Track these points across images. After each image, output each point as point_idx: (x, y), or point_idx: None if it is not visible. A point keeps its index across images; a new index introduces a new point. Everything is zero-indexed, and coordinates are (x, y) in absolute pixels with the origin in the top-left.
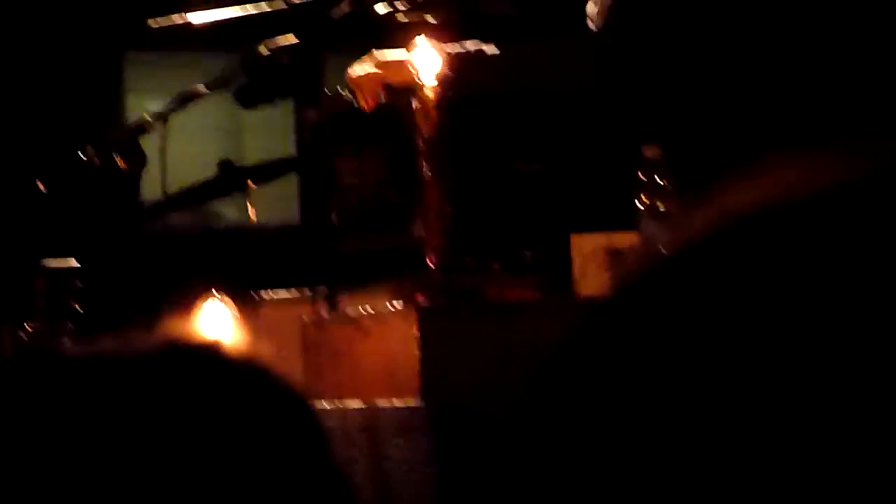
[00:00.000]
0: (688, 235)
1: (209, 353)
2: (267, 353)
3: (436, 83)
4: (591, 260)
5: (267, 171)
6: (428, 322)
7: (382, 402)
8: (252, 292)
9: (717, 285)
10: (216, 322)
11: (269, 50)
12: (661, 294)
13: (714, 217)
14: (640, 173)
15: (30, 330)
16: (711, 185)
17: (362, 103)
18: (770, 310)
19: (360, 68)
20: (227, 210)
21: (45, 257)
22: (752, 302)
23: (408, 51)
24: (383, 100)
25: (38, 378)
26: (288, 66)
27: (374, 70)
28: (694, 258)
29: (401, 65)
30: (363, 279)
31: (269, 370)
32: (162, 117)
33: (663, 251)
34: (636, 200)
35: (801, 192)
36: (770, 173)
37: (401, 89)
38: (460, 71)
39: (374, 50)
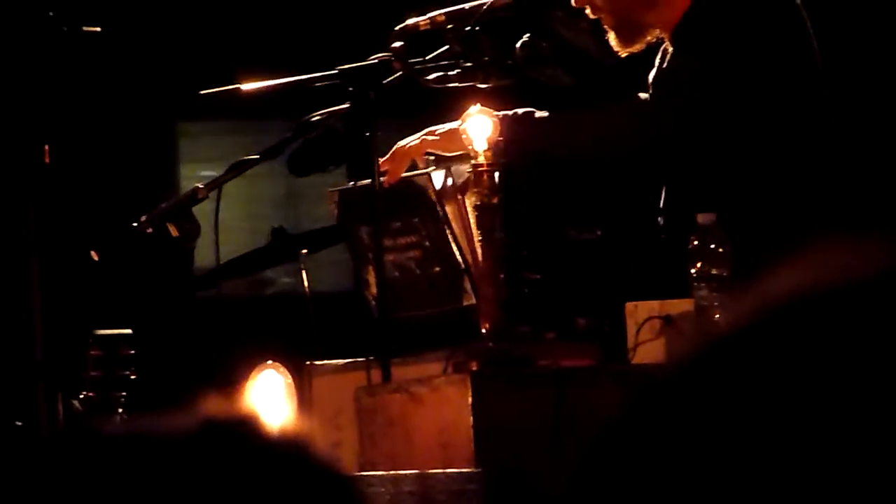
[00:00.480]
0: (743, 317)
1: (246, 431)
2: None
3: (488, 150)
4: (645, 328)
5: (320, 239)
6: (481, 390)
7: (436, 470)
8: (306, 360)
9: (771, 370)
10: (270, 391)
11: (322, 118)
12: (715, 377)
13: (768, 300)
14: (694, 240)
15: (83, 399)
16: (765, 254)
17: (387, 177)
18: (826, 398)
19: (411, 139)
20: (280, 277)
21: (98, 327)
22: (806, 389)
23: (460, 118)
24: (421, 165)
25: (71, 458)
26: (340, 134)
27: (415, 142)
28: (750, 341)
29: (453, 133)
30: (417, 347)
31: (308, 448)
32: (215, 186)
33: (718, 333)
34: (690, 268)
35: (856, 276)
36: (824, 255)
37: (444, 159)
38: (513, 137)
39: (429, 125)
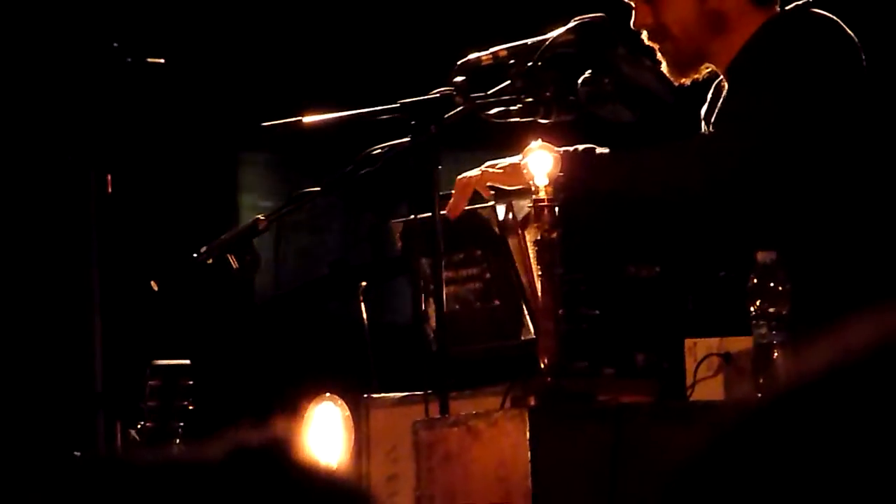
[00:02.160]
0: (812, 368)
1: (275, 458)
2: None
3: (549, 185)
4: (704, 365)
5: (380, 272)
6: (539, 426)
7: None
8: (364, 394)
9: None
10: (327, 424)
11: (384, 151)
12: (785, 425)
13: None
14: (753, 278)
15: (141, 429)
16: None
17: (449, 209)
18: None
19: (472, 173)
20: (340, 310)
21: (157, 357)
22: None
23: (521, 153)
24: (486, 196)
25: (98, 486)
26: (401, 168)
27: (477, 175)
28: (832, 389)
29: (514, 168)
30: (475, 382)
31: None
32: (276, 217)
33: (787, 383)
34: (750, 306)
35: None
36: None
37: (506, 193)
38: (573, 173)
39: (489, 159)
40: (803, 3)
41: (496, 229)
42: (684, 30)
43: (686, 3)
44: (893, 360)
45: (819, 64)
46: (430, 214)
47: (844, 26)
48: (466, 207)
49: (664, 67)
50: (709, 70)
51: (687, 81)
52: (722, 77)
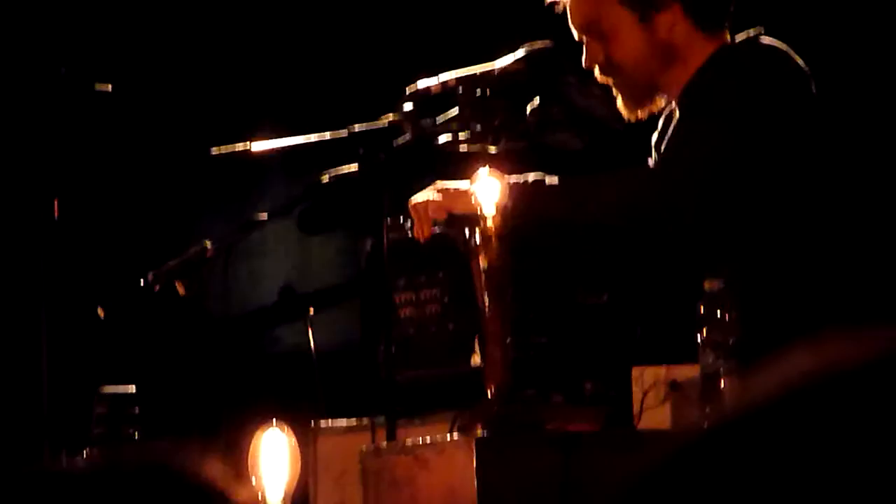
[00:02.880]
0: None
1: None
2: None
3: (497, 213)
4: (651, 393)
5: (327, 298)
6: (487, 453)
7: None
8: (311, 420)
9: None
10: (274, 450)
11: (332, 178)
12: (730, 452)
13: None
14: (701, 307)
15: (87, 456)
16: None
17: (417, 233)
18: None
19: (422, 196)
20: (287, 335)
21: (104, 384)
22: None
23: (470, 180)
24: (439, 230)
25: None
26: (350, 193)
27: (436, 198)
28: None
29: (463, 194)
30: (423, 409)
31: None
32: (224, 244)
33: (732, 411)
34: (697, 334)
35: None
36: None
37: (461, 218)
38: (522, 202)
39: (437, 181)
40: (755, 33)
41: (462, 251)
42: (636, 64)
43: (636, 38)
44: (836, 388)
45: (767, 93)
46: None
47: (794, 55)
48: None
49: (619, 102)
50: (663, 105)
51: (643, 115)
52: (672, 105)
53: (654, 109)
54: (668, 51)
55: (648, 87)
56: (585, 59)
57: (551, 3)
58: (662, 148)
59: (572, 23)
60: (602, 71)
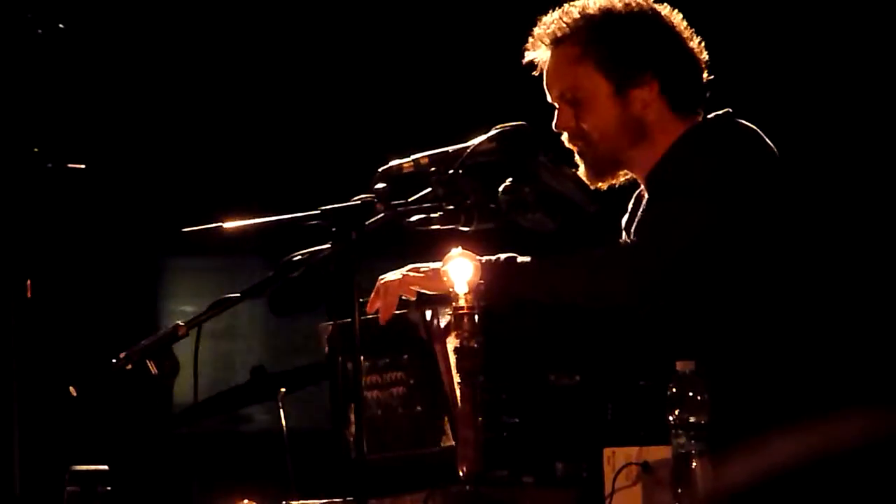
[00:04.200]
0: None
1: None
2: None
3: (469, 293)
4: (622, 474)
5: (299, 378)
6: None
7: None
8: (282, 500)
9: None
10: None
11: (304, 258)
12: None
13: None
14: (672, 388)
15: None
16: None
17: (381, 313)
18: None
19: (392, 275)
20: (258, 415)
21: (75, 463)
22: None
23: (442, 261)
24: (405, 311)
25: None
26: (322, 274)
27: (406, 278)
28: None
29: (434, 274)
30: (394, 488)
31: None
32: (195, 324)
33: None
34: (669, 415)
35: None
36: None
37: (429, 299)
38: (494, 281)
39: (409, 263)
40: (724, 114)
41: (423, 334)
42: (604, 136)
43: (608, 110)
44: (817, 473)
45: (738, 174)
46: (364, 316)
47: (764, 137)
48: (396, 311)
49: (581, 170)
50: (628, 177)
51: (603, 186)
52: (642, 187)
53: (616, 183)
54: (639, 128)
55: (613, 161)
56: (556, 122)
57: (528, 63)
58: (633, 229)
59: (547, 85)
60: (570, 137)
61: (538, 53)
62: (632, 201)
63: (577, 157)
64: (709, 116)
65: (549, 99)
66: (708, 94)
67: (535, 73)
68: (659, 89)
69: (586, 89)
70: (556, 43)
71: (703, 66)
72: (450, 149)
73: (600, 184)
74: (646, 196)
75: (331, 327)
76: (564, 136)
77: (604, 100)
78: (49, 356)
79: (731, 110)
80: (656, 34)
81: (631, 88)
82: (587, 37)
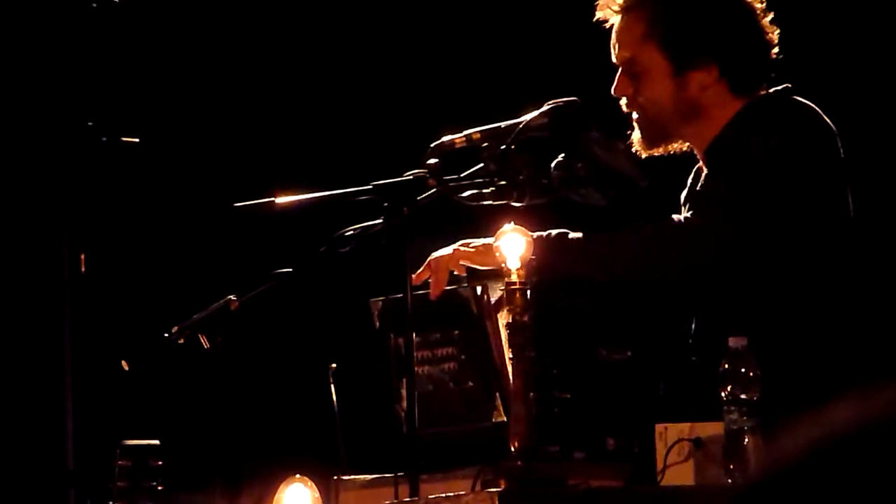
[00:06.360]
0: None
1: None
2: None
3: (521, 268)
4: (674, 450)
5: (350, 352)
6: None
7: None
8: (334, 475)
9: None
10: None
11: (357, 233)
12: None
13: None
14: (725, 364)
15: None
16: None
17: (432, 289)
18: None
19: (445, 251)
20: (309, 390)
21: (127, 437)
22: None
23: (494, 236)
24: (457, 286)
25: None
26: (377, 248)
27: (458, 253)
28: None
29: (486, 249)
30: (445, 463)
31: None
32: (248, 298)
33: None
34: (721, 391)
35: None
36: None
37: (480, 274)
38: (546, 257)
39: (461, 238)
40: (783, 89)
41: (475, 310)
42: (658, 111)
43: (665, 88)
44: (877, 441)
45: (796, 151)
46: (416, 292)
47: (822, 114)
48: (447, 287)
49: (635, 136)
50: (683, 147)
51: (657, 153)
52: (701, 162)
53: (669, 151)
54: (693, 108)
55: (665, 134)
56: (615, 88)
57: (601, 21)
58: (690, 203)
59: (612, 46)
60: (627, 104)
61: (607, 14)
62: (692, 175)
63: (633, 122)
64: (767, 92)
65: (612, 58)
66: (773, 74)
67: (606, 28)
68: (718, 73)
69: (646, 64)
70: (625, 11)
71: (772, 45)
72: (502, 124)
73: (654, 151)
74: (704, 171)
75: (381, 303)
76: (623, 101)
77: (661, 78)
78: (102, 330)
79: (789, 86)
80: (724, 15)
81: (690, 70)
82: (654, 12)
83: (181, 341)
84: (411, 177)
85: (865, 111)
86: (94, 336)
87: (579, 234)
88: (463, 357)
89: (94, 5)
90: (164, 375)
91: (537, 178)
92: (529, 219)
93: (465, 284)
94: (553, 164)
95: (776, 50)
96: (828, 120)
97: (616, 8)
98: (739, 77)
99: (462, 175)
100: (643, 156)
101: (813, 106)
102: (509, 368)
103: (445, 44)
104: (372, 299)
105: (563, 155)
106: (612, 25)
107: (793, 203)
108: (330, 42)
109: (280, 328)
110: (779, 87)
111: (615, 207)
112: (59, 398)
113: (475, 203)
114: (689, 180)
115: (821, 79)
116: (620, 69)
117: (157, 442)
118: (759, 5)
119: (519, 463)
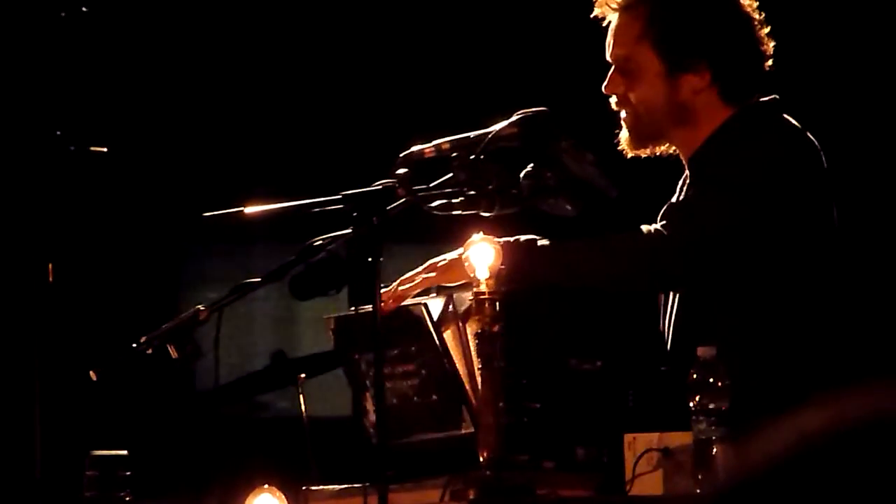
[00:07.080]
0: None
1: None
2: None
3: (490, 278)
4: (643, 459)
5: (319, 364)
6: None
7: None
8: (302, 485)
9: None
10: None
11: (325, 243)
12: None
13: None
14: (694, 374)
15: None
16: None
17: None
18: None
19: (410, 275)
20: (278, 401)
21: (95, 447)
22: None
23: (462, 247)
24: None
25: None
26: (343, 259)
27: (425, 276)
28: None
29: (454, 264)
30: (415, 474)
31: None
32: (216, 308)
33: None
34: (690, 401)
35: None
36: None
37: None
38: (515, 265)
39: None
40: (771, 100)
41: (429, 325)
42: (648, 111)
43: (657, 89)
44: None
45: (775, 167)
46: (366, 309)
47: (806, 133)
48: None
49: (623, 135)
50: (668, 150)
51: (643, 154)
52: (686, 172)
53: (655, 153)
54: (684, 111)
55: (653, 135)
56: (606, 85)
57: (598, 18)
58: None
59: (607, 45)
60: (617, 102)
61: (605, 11)
62: (680, 182)
63: (621, 121)
64: (756, 102)
65: (607, 56)
66: (765, 83)
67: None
68: (711, 78)
69: (639, 63)
70: (623, 9)
71: (766, 56)
72: (471, 134)
73: (640, 151)
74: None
75: (334, 320)
76: (612, 99)
77: (654, 78)
78: (70, 340)
79: (777, 97)
80: (721, 21)
81: (682, 73)
82: (652, 12)
83: (150, 351)
84: (381, 187)
85: (857, 118)
86: (62, 346)
87: (547, 242)
88: (423, 372)
89: (63, 15)
90: (132, 386)
91: (507, 187)
92: (499, 229)
93: (434, 294)
94: (522, 174)
95: (770, 62)
96: (811, 137)
97: (614, 6)
98: (731, 84)
99: (432, 185)
100: (629, 155)
101: (795, 125)
102: (478, 378)
103: (415, 55)
104: (325, 316)
105: (532, 165)
106: (607, 25)
107: (766, 217)
108: (300, 54)
109: (249, 337)
110: (767, 98)
111: (584, 218)
112: (27, 408)
113: (445, 213)
114: (678, 188)
115: (812, 88)
116: (613, 67)
117: (125, 452)
118: (757, 16)
119: (488, 472)
